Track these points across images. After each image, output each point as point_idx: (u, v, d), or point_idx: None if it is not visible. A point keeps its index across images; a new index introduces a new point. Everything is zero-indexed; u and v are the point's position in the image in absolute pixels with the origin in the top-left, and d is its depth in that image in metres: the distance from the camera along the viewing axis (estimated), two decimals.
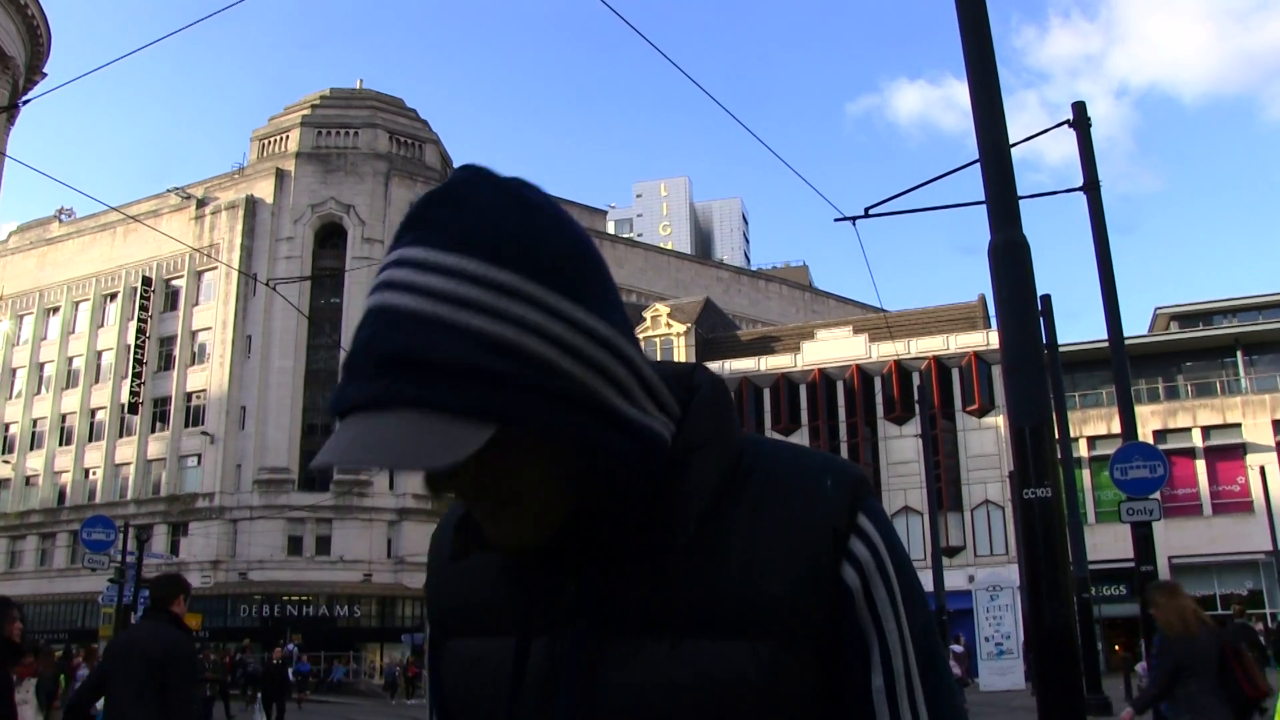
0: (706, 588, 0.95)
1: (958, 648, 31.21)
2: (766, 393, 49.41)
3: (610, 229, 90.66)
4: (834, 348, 49.24)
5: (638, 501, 0.95)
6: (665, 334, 51.76)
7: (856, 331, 49.64)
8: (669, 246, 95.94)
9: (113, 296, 61.13)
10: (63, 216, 67.56)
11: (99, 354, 60.71)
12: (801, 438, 48.22)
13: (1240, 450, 42.47)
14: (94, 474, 58.54)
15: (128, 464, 57.27)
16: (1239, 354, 45.15)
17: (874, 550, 0.98)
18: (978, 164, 6.79)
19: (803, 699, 0.95)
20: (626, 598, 0.96)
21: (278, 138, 60.26)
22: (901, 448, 46.34)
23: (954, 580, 39.04)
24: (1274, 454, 41.62)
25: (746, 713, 0.93)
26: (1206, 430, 43.19)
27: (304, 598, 50.69)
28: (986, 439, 45.15)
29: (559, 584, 0.99)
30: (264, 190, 57.71)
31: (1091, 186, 13.58)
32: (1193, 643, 6.72)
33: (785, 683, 0.94)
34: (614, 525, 0.96)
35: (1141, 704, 7.53)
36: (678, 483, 0.96)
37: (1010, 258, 6.38)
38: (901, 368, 47.21)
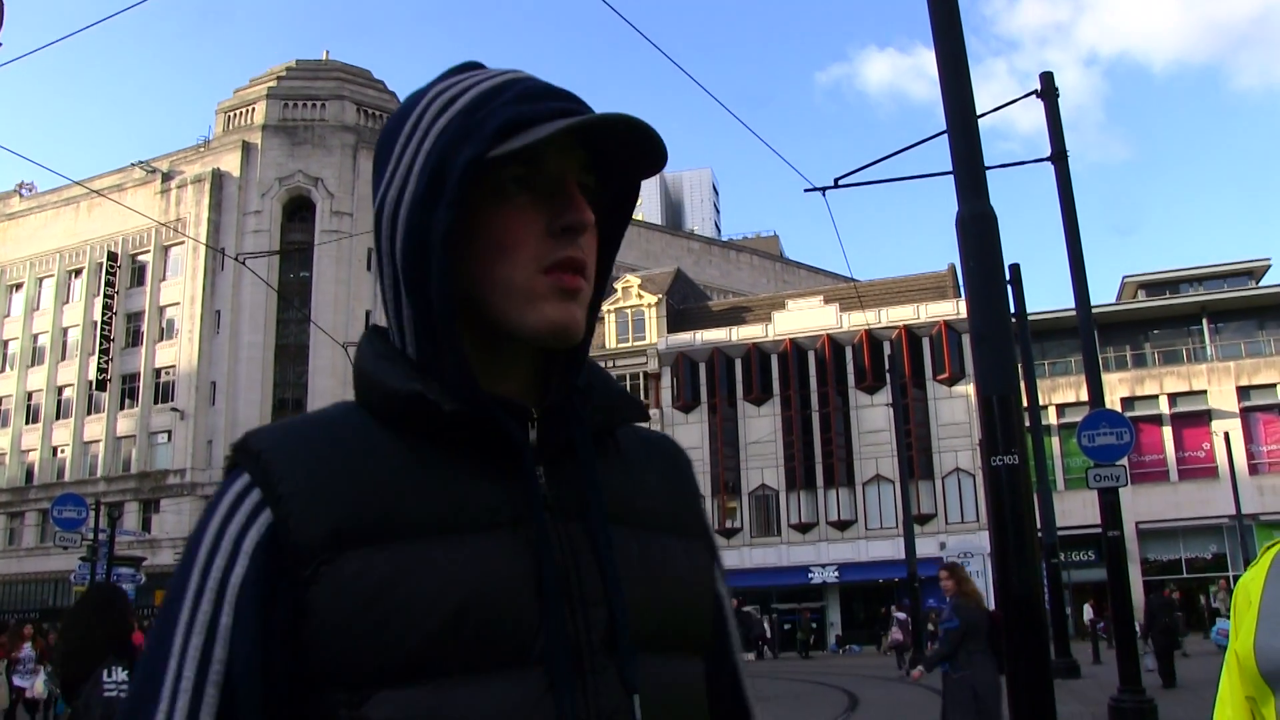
0: (647, 491, 1.09)
1: (901, 615, 32.27)
2: (738, 363, 49.51)
3: None
4: (805, 318, 49.36)
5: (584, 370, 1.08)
6: (636, 305, 51.66)
7: (827, 301, 49.79)
8: (639, 217, 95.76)
9: (77, 272, 60.38)
10: (23, 191, 66.53)
11: (65, 330, 60.01)
12: (773, 408, 48.43)
13: (1205, 417, 43.04)
14: (62, 452, 58.02)
15: (97, 441, 56.79)
16: (1205, 322, 45.64)
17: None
18: (946, 135, 6.82)
19: (713, 592, 1.13)
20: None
21: (243, 110, 59.52)
22: (873, 417, 46.62)
23: (925, 548, 39.45)
24: (1238, 420, 42.21)
25: (692, 598, 1.09)
26: (1173, 397, 43.72)
27: None
28: (957, 407, 45.51)
29: (524, 479, 0.99)
30: (230, 164, 57.05)
31: (1059, 157, 13.65)
32: (974, 613, 8.79)
33: (706, 575, 1.12)
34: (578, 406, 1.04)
35: (931, 662, 9.35)
36: (604, 379, 1.11)
37: (977, 229, 6.43)
38: (872, 337, 47.43)
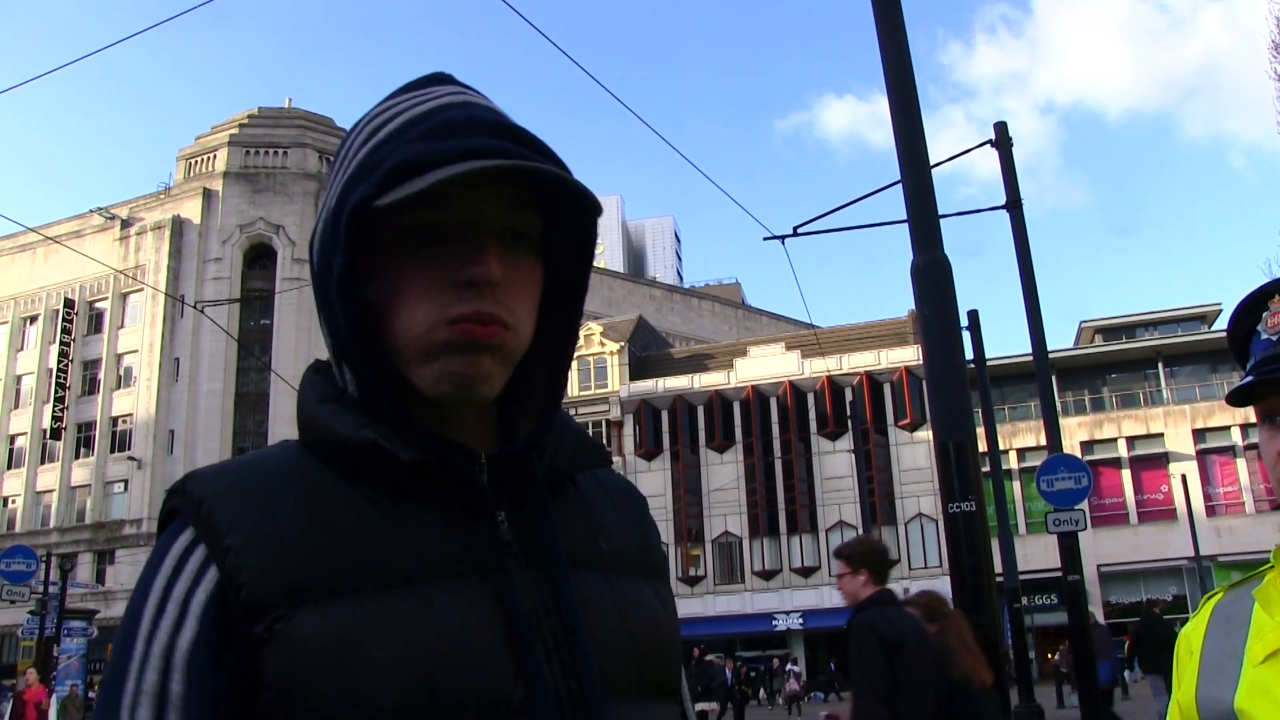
0: (609, 535, 1.05)
1: (795, 667, 35.11)
2: (700, 410, 49.55)
3: None
4: (767, 364, 49.56)
5: (547, 412, 1.03)
6: (599, 353, 51.69)
7: (789, 348, 50.04)
8: (601, 265, 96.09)
9: (33, 319, 59.59)
10: None
11: (19, 378, 59.09)
12: (736, 454, 48.45)
13: (1163, 459, 43.51)
14: (13, 502, 56.89)
15: (50, 491, 55.76)
16: (1160, 366, 46.30)
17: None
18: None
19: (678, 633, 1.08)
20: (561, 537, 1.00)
21: (205, 157, 59.34)
22: (835, 463, 46.74)
23: None
24: (1194, 462, 42.71)
25: (660, 637, 1.03)
26: (1131, 440, 44.20)
27: None
28: (919, 453, 45.70)
29: (486, 527, 0.94)
30: (191, 210, 56.76)
31: (1014, 205, 13.86)
32: None
33: (672, 617, 1.07)
34: (526, 452, 0.99)
35: None
36: (567, 426, 1.06)
37: (932, 277, 6.50)
38: (834, 384, 47.66)
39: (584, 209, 0.97)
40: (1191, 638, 1.50)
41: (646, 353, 54.21)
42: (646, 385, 50.15)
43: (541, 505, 0.97)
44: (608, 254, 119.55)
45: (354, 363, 0.95)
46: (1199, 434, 43.52)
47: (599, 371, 51.30)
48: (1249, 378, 1.40)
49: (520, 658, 0.88)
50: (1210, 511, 42.01)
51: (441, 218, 0.92)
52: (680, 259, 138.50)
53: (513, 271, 0.94)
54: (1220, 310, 49.15)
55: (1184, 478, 40.07)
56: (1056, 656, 29.74)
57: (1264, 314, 1.43)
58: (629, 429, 49.83)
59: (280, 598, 0.84)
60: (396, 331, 0.93)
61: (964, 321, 19.37)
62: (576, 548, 0.99)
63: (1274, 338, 1.40)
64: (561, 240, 1.01)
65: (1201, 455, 43.25)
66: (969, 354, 20.62)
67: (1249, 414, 1.44)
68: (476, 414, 1.00)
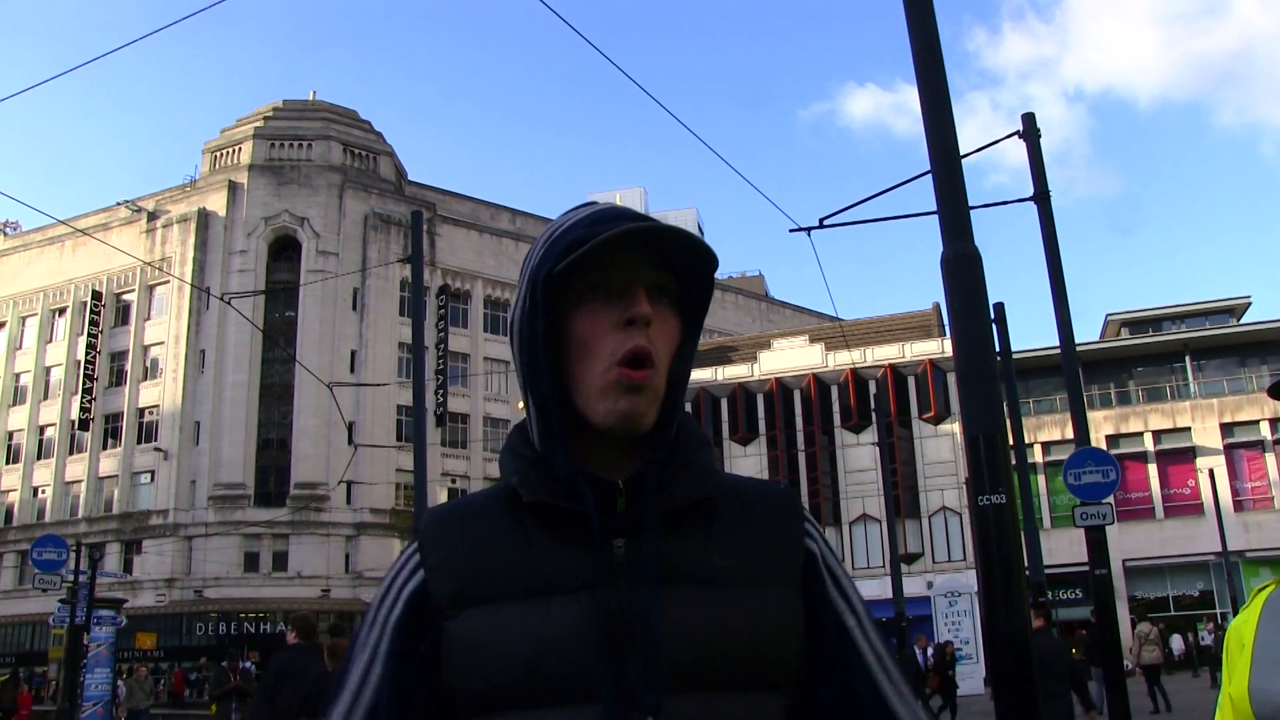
0: (725, 552, 1.25)
1: None
2: (724, 403, 49.51)
3: None
4: (791, 357, 49.45)
5: (671, 444, 1.29)
6: None
7: (813, 341, 49.91)
8: None
9: (61, 311, 60.16)
10: (7, 230, 66.40)
11: (47, 370, 59.69)
12: (759, 447, 48.38)
13: (1190, 454, 43.15)
14: (43, 492, 57.51)
15: (78, 481, 56.31)
16: (1188, 359, 45.90)
17: (820, 532, 1.36)
18: (929, 175, 6.86)
19: (798, 633, 1.26)
20: (670, 558, 1.22)
21: (230, 150, 59.64)
22: (859, 456, 46.60)
23: (913, 587, 39.31)
24: (1222, 457, 42.34)
25: (763, 641, 1.21)
26: (1158, 434, 43.83)
27: (260, 614, 50.10)
28: (943, 446, 45.53)
29: (605, 549, 1.21)
30: (216, 203, 57.07)
31: (1042, 197, 13.77)
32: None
33: (787, 619, 1.25)
34: (658, 481, 1.25)
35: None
36: (696, 455, 1.31)
37: (962, 270, 6.46)
38: (858, 376, 47.51)
39: (704, 262, 1.27)
40: (1243, 630, 1.47)
41: None
42: None
43: (650, 533, 1.22)
44: None
45: (543, 403, 1.26)
46: (1227, 428, 43.12)
47: None
48: None
49: (601, 658, 1.16)
50: (1238, 506, 41.65)
51: (605, 279, 1.24)
52: None
53: (658, 319, 1.25)
54: (1250, 303, 48.70)
55: (1211, 472, 39.72)
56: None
57: None
58: None
59: (450, 602, 1.22)
60: (577, 378, 1.25)
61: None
62: (687, 565, 1.22)
63: None
64: (685, 300, 1.32)
65: (1229, 450, 42.86)
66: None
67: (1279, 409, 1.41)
68: (627, 443, 1.27)
